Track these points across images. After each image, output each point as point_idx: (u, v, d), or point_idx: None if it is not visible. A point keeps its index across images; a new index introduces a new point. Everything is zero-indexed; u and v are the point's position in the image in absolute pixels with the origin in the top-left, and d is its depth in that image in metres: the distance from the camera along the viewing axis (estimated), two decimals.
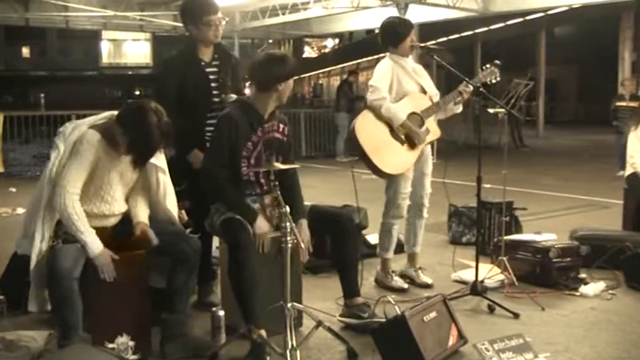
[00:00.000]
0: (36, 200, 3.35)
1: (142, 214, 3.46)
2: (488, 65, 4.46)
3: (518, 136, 16.28)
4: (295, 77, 3.70)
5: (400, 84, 4.45)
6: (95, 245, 3.16)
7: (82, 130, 3.31)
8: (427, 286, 4.57)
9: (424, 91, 4.56)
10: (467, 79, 4.41)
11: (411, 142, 4.41)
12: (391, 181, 4.49)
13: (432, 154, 4.70)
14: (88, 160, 3.21)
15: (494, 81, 4.39)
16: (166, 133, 3.24)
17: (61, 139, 3.33)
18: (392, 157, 4.36)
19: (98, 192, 3.32)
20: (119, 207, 3.43)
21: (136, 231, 3.37)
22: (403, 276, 4.65)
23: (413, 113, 4.42)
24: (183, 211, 3.87)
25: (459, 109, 4.58)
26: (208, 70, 4.01)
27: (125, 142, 3.23)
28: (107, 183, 3.32)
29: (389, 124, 4.37)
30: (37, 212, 3.28)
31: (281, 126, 3.78)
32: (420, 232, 4.71)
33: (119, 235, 3.38)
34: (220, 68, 4.04)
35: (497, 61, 4.50)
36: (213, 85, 4.00)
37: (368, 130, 4.34)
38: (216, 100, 4.01)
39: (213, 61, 4.05)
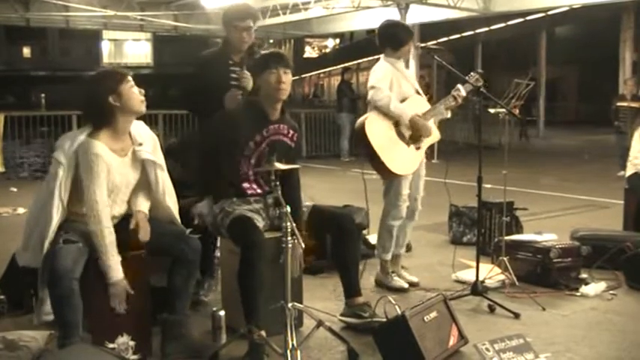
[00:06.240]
0: (37, 213, 3.29)
1: (142, 203, 3.45)
2: (473, 73, 4.47)
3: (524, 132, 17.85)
4: (279, 74, 3.61)
5: (400, 86, 4.47)
6: (117, 272, 3.16)
7: (80, 139, 3.26)
8: (414, 285, 4.57)
9: (419, 94, 4.59)
10: (466, 78, 4.42)
11: (415, 142, 4.43)
12: (392, 183, 4.49)
13: (433, 155, 4.72)
14: (104, 172, 3.21)
15: (479, 84, 4.40)
16: None
17: (60, 154, 3.25)
18: (400, 158, 4.39)
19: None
20: (119, 209, 3.42)
21: (133, 221, 3.36)
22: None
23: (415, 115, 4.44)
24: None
25: (448, 114, 4.64)
26: (233, 69, 4.19)
27: None
28: (111, 187, 3.30)
29: (395, 124, 4.40)
30: (42, 229, 3.20)
31: (291, 131, 3.78)
32: (409, 234, 4.74)
33: (119, 234, 3.36)
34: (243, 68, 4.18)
35: (480, 70, 4.54)
36: (233, 83, 4.13)
37: (377, 130, 4.36)
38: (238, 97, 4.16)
39: (242, 62, 4.21)
